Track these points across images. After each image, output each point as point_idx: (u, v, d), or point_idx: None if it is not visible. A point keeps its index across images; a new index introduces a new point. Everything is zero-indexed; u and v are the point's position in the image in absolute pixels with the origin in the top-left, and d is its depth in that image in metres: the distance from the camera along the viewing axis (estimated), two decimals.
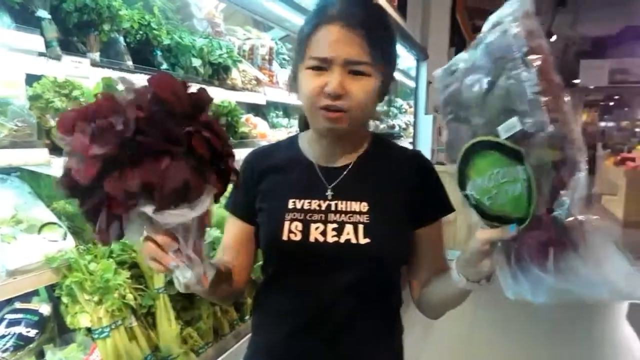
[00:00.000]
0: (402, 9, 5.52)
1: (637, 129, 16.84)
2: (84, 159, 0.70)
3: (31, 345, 1.40)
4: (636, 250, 0.84)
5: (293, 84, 1.13)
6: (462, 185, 0.89)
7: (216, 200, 0.82)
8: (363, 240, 1.04)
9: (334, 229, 1.06)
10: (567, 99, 0.78)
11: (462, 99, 0.87)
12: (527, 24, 0.78)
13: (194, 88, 0.79)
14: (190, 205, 0.75)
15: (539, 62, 0.76)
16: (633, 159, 8.99)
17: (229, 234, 1.19)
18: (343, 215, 1.07)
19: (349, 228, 1.06)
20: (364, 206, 1.08)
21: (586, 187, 0.76)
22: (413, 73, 6.34)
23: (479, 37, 0.85)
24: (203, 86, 0.81)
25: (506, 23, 0.79)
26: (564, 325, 4.11)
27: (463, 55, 0.89)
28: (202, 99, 0.80)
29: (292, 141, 1.23)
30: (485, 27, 0.84)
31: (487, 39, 0.82)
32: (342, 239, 1.05)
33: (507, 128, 0.78)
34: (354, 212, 1.07)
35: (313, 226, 1.07)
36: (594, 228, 0.78)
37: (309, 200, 1.10)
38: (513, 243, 0.82)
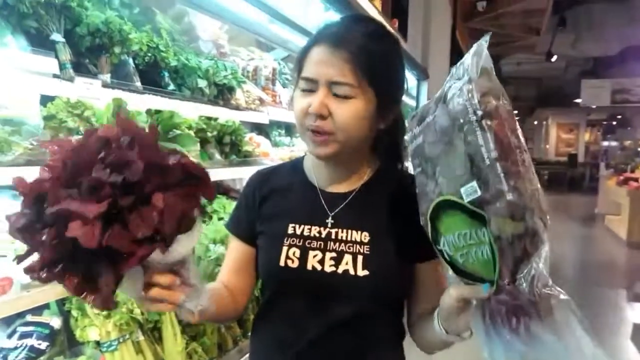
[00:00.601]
0: (403, 29, 5.61)
1: (639, 149, 16.87)
2: (82, 226, 0.65)
3: (42, 358, 1.43)
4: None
5: (291, 105, 1.10)
6: (434, 240, 0.88)
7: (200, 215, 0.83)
8: (362, 272, 1.01)
9: (332, 258, 1.03)
10: (527, 159, 0.76)
11: (426, 153, 0.86)
12: (482, 85, 0.76)
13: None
14: (187, 234, 0.75)
15: (494, 126, 0.74)
16: (636, 179, 8.97)
17: (231, 256, 1.18)
18: (343, 244, 1.04)
19: (347, 258, 1.02)
20: (365, 236, 1.04)
21: (548, 260, 0.76)
22: (414, 92, 6.42)
23: (444, 86, 0.84)
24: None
25: (463, 81, 0.78)
26: None
27: (430, 104, 0.88)
28: (153, 134, 0.78)
29: (297, 163, 1.21)
30: (450, 75, 0.84)
31: (448, 94, 0.81)
32: (340, 270, 1.02)
33: (468, 192, 0.77)
34: (354, 242, 1.04)
35: (311, 254, 1.04)
36: (559, 303, 0.77)
37: (309, 227, 1.07)
38: (487, 302, 0.81)
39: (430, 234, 0.88)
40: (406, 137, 0.96)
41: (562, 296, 0.76)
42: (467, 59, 0.79)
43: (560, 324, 0.76)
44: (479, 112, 0.74)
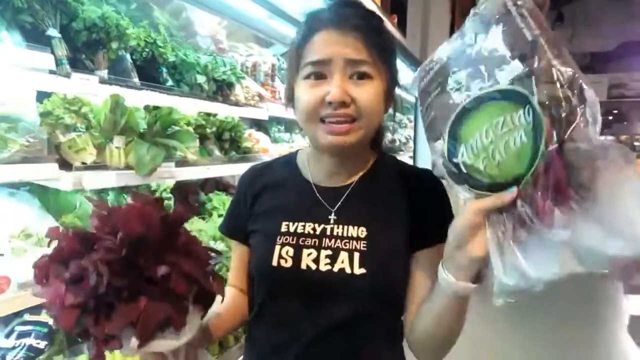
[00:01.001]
0: (401, 25, 5.59)
1: (636, 143, 16.88)
2: (60, 308, 0.71)
3: (41, 357, 1.42)
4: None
5: (290, 100, 1.06)
6: (451, 155, 0.82)
7: (203, 317, 0.86)
8: (358, 271, 0.95)
9: (327, 256, 0.98)
10: (565, 51, 0.74)
11: (452, 67, 0.82)
12: None
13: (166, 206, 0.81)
14: (176, 333, 0.78)
15: (531, 12, 0.74)
16: None
17: (234, 257, 1.17)
18: (338, 240, 0.99)
19: (343, 256, 0.97)
20: (362, 231, 0.99)
21: (598, 109, 0.71)
22: None
23: (460, 29, 0.83)
24: (179, 208, 0.85)
25: None
26: (563, 339, 4.10)
27: (440, 47, 0.86)
28: (178, 219, 0.82)
29: (290, 159, 1.16)
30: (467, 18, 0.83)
31: (477, 10, 0.80)
32: (336, 268, 0.96)
33: (509, 72, 0.74)
34: (351, 238, 0.99)
35: (305, 252, 0.99)
36: (610, 157, 0.68)
37: (303, 224, 1.02)
38: (509, 211, 0.74)
39: (446, 150, 0.82)
40: (417, 78, 0.89)
41: (612, 147, 0.69)
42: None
43: (613, 181, 0.67)
44: (519, 1, 0.74)
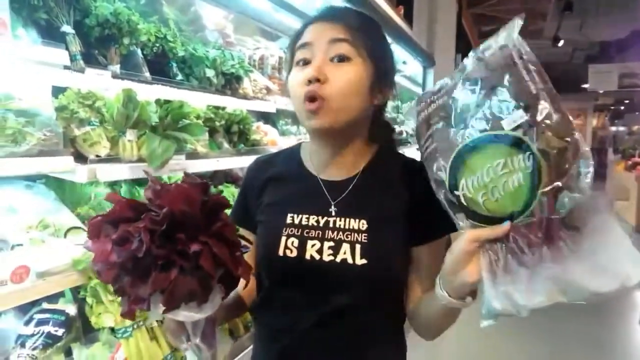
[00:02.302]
0: (408, 16, 5.59)
1: None
2: (104, 264, 0.80)
3: (59, 344, 1.46)
4: None
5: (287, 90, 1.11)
6: (452, 187, 0.88)
7: (226, 296, 0.91)
8: (360, 261, 0.99)
9: (330, 247, 1.02)
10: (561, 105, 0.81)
11: (455, 105, 0.88)
12: (521, 43, 0.83)
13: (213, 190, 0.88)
14: (199, 307, 0.85)
15: (536, 67, 0.81)
16: None
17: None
18: (341, 233, 1.03)
19: (345, 247, 1.01)
20: (363, 224, 1.03)
21: (592, 164, 0.77)
22: (419, 79, 6.40)
23: (460, 64, 0.90)
24: (221, 192, 0.89)
25: (501, 39, 0.85)
26: (573, 332, 4.12)
27: (442, 80, 0.93)
28: (218, 205, 0.88)
29: (294, 151, 1.20)
30: (468, 59, 0.90)
31: (485, 53, 0.87)
32: (339, 259, 1.01)
33: (511, 120, 0.80)
34: (353, 230, 1.03)
35: (310, 243, 1.03)
36: (598, 206, 0.78)
37: (307, 216, 1.06)
38: (503, 242, 0.81)
39: (448, 182, 0.89)
40: (417, 108, 0.96)
41: (600, 197, 0.78)
42: (501, 32, 0.86)
43: (601, 231, 0.77)
44: (525, 56, 0.81)
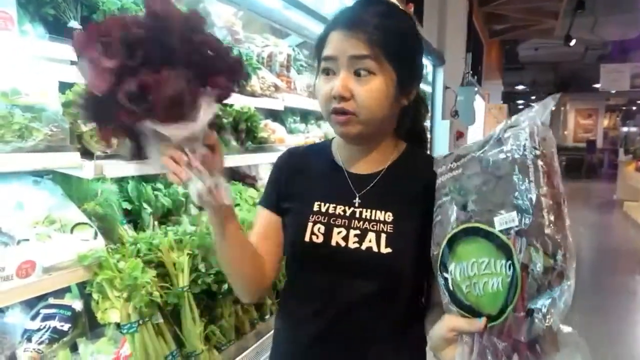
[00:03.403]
0: (418, 14, 5.56)
1: None
2: (96, 70, 0.76)
3: (65, 339, 1.47)
4: None
5: (314, 93, 1.15)
6: (442, 266, 0.89)
7: (220, 100, 0.87)
8: (384, 250, 1.03)
9: (356, 235, 1.06)
10: (565, 209, 0.79)
11: (464, 184, 0.88)
12: (543, 131, 0.81)
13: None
14: (193, 118, 0.81)
15: (545, 168, 0.78)
16: None
17: (258, 224, 1.21)
18: (367, 222, 1.07)
19: (371, 235, 1.05)
20: (388, 216, 1.07)
21: (571, 296, 0.75)
22: (429, 78, 6.38)
23: (492, 131, 0.88)
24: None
25: (522, 125, 0.82)
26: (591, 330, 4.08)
27: (473, 146, 0.91)
28: (197, 19, 0.84)
29: (326, 145, 1.25)
30: (499, 126, 0.87)
31: (505, 134, 0.84)
32: (364, 246, 1.04)
33: (504, 221, 0.79)
34: (378, 221, 1.06)
35: (336, 230, 1.07)
36: (569, 342, 0.77)
37: (334, 205, 1.11)
38: (478, 338, 0.83)
39: (439, 261, 0.90)
40: (438, 170, 0.97)
41: (569, 331, 0.77)
42: (534, 108, 0.83)
43: None
44: (537, 152, 0.79)
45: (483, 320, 0.81)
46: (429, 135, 6.13)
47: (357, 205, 1.10)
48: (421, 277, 1.12)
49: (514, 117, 0.86)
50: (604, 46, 15.49)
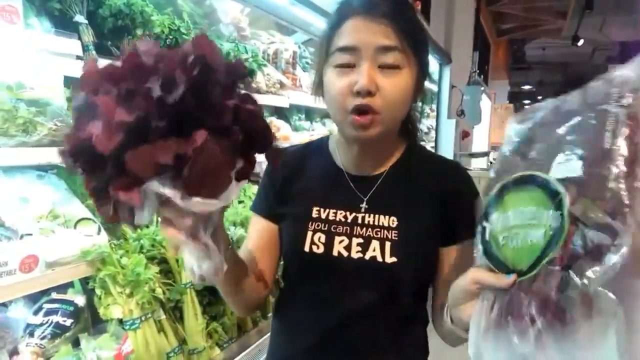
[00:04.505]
0: (425, 13, 5.54)
1: None
2: (108, 124, 0.58)
3: (67, 334, 1.47)
4: None
5: (318, 89, 1.04)
6: (483, 216, 0.82)
7: (246, 177, 0.72)
8: (390, 259, 0.97)
9: (359, 244, 0.99)
10: None
11: (533, 134, 0.80)
12: (635, 83, 0.70)
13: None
14: (220, 195, 0.66)
15: (630, 122, 0.67)
16: None
17: (253, 234, 1.13)
18: (370, 229, 1.00)
19: (375, 244, 0.98)
20: (393, 221, 1.00)
21: (621, 262, 0.62)
22: (436, 77, 6.35)
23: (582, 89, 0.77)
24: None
25: (612, 75, 0.72)
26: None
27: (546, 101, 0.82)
28: (239, 70, 0.70)
29: (322, 144, 1.16)
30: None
31: (589, 86, 0.75)
32: (367, 256, 0.98)
33: (565, 169, 0.70)
34: (382, 227, 1.00)
35: (337, 239, 1.01)
36: (604, 311, 0.64)
37: (334, 210, 1.04)
38: (501, 296, 0.74)
39: (483, 210, 0.82)
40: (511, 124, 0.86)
41: (608, 296, 0.64)
42: (628, 65, 0.73)
43: (597, 334, 0.65)
44: (623, 101, 0.68)
45: (512, 276, 0.72)
46: (433, 135, 6.13)
47: (363, 210, 1.02)
48: (425, 283, 1.08)
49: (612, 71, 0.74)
50: (612, 47, 15.40)
